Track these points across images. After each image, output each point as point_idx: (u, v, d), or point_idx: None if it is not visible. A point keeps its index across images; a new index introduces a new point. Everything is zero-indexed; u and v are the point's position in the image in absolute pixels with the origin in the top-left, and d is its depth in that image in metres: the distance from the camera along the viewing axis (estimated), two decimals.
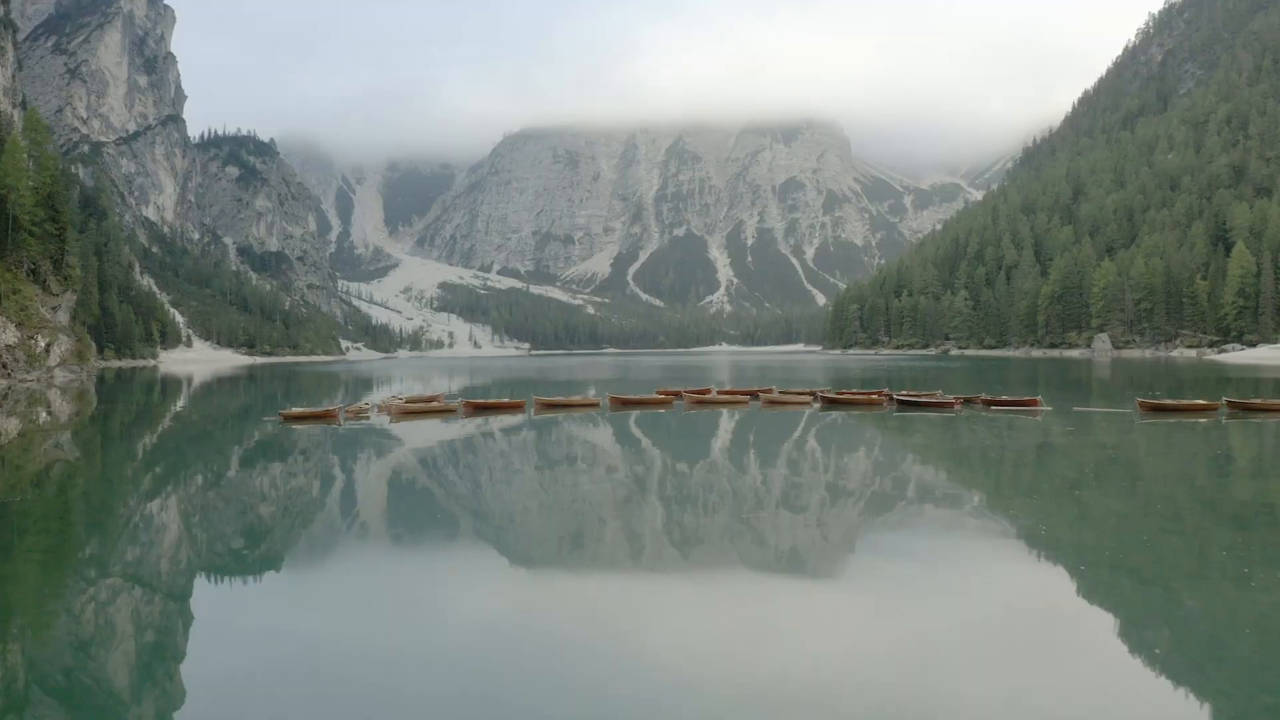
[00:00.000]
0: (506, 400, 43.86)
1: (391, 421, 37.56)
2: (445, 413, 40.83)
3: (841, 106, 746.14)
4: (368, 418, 38.63)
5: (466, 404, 42.15)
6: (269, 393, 79.55)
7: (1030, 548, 15.58)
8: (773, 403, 43.46)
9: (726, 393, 49.45)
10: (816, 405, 42.41)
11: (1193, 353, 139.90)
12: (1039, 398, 39.59)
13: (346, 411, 38.66)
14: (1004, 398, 41.19)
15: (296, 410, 38.00)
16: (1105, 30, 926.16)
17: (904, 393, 43.97)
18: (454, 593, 13.75)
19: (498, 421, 38.06)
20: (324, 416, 37.59)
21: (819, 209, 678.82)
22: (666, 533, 17.14)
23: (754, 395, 47.90)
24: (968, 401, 41.42)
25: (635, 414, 40.89)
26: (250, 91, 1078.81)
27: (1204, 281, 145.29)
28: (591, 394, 51.41)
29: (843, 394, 44.91)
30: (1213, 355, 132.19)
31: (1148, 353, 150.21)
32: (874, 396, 42.26)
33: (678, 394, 48.28)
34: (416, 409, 40.50)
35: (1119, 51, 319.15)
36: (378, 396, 56.78)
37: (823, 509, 19.61)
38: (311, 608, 12.98)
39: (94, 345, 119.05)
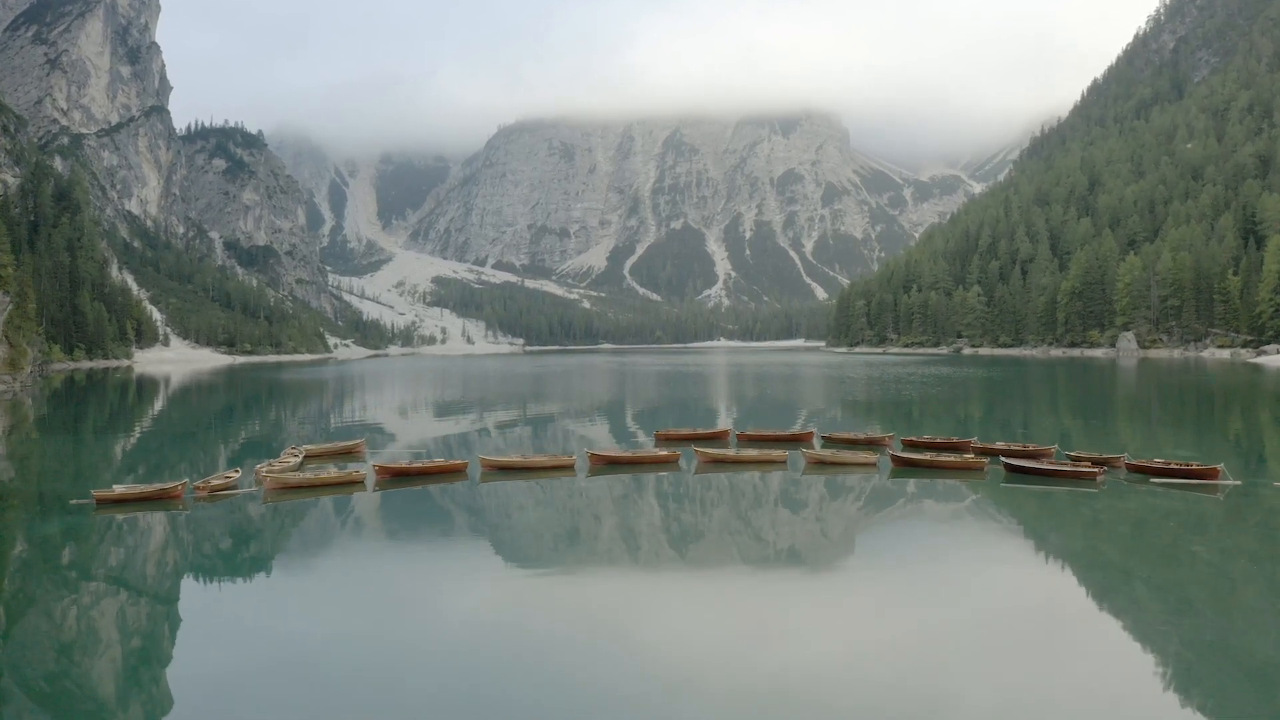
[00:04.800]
0: (440, 462, 31.30)
1: (265, 501, 26.47)
2: (347, 485, 28.37)
3: (840, 98, 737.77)
4: (233, 491, 27.31)
5: (381, 470, 29.59)
6: (246, 396, 71.28)
7: None
8: (821, 462, 31.12)
9: (750, 437, 37.51)
10: (884, 461, 31.17)
11: (1225, 354, 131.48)
12: (1220, 466, 27.28)
13: (198, 488, 26.89)
14: (1161, 462, 28.61)
15: (118, 490, 26.33)
16: (1105, 22, 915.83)
17: (1003, 446, 32.73)
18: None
19: (420, 500, 27.27)
20: (161, 496, 26.08)
21: (818, 201, 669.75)
22: None
23: (792, 442, 36.26)
24: (1106, 464, 29.47)
25: (625, 479, 29.65)
26: (241, 84, 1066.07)
27: (1235, 277, 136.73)
28: (565, 426, 39.75)
29: (920, 447, 33.68)
30: (1249, 357, 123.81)
31: (1176, 353, 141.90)
32: (968, 458, 30.41)
33: (686, 438, 37.66)
34: (304, 481, 28.11)
35: (1128, 40, 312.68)
36: (289, 438, 42.88)
37: None
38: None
39: (29, 351, 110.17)
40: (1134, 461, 29.15)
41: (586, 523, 24.50)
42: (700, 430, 40.02)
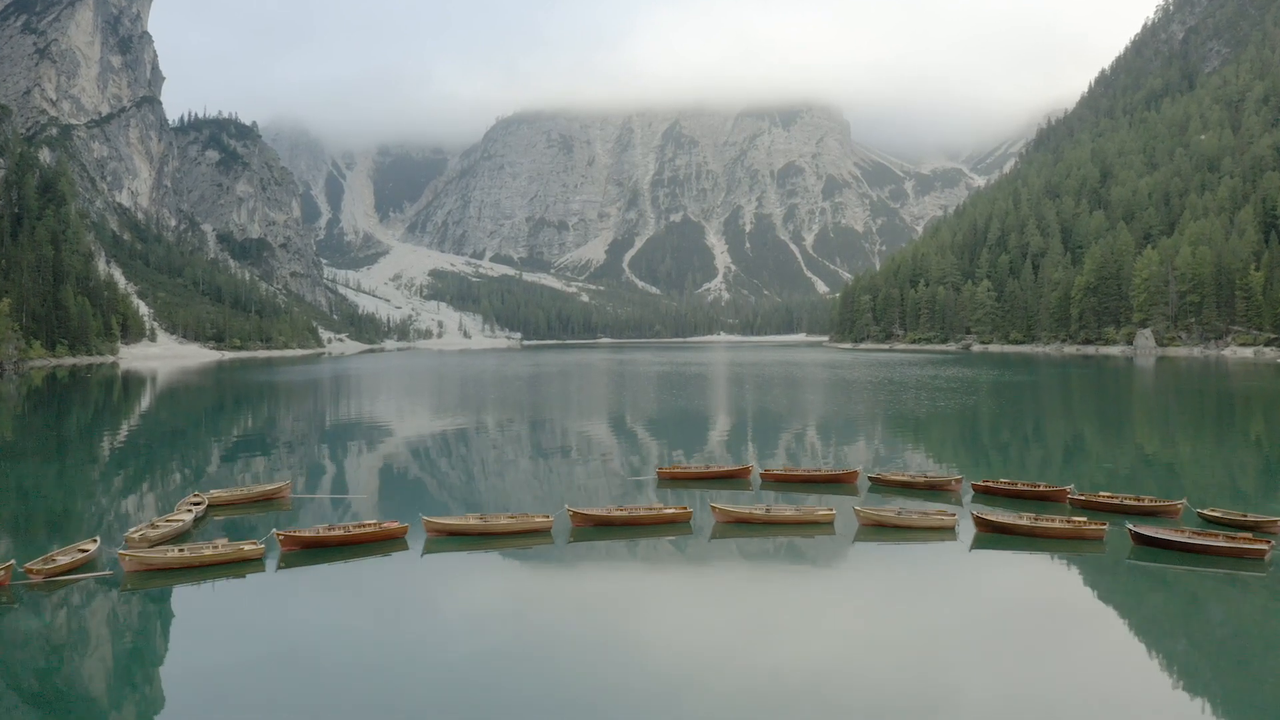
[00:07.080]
0: (369, 527, 22.95)
1: (124, 587, 19.09)
2: (239, 563, 20.61)
3: (841, 90, 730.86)
4: (79, 576, 19.62)
5: (287, 540, 21.94)
6: (214, 402, 65.44)
7: None
8: (880, 524, 23.68)
9: (778, 477, 30.44)
10: (964, 518, 23.91)
11: (1248, 352, 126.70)
12: None
13: (31, 571, 19.32)
14: None
15: None
16: (1109, 14, 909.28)
17: (1109, 498, 25.44)
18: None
19: (337, 583, 19.86)
20: None
21: (818, 194, 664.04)
22: None
23: (832, 484, 29.77)
24: (1257, 529, 22.29)
25: (618, 546, 22.56)
26: (238, 78, 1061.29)
27: (1257, 273, 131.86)
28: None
29: (999, 495, 26.95)
30: (1274, 356, 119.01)
31: (1196, 351, 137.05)
32: (1081, 522, 22.75)
33: (696, 477, 31.03)
34: (176, 562, 20.22)
35: (1134, 31, 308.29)
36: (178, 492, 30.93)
37: None
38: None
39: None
40: None
41: (563, 618, 17.44)
42: (714, 467, 32.30)
